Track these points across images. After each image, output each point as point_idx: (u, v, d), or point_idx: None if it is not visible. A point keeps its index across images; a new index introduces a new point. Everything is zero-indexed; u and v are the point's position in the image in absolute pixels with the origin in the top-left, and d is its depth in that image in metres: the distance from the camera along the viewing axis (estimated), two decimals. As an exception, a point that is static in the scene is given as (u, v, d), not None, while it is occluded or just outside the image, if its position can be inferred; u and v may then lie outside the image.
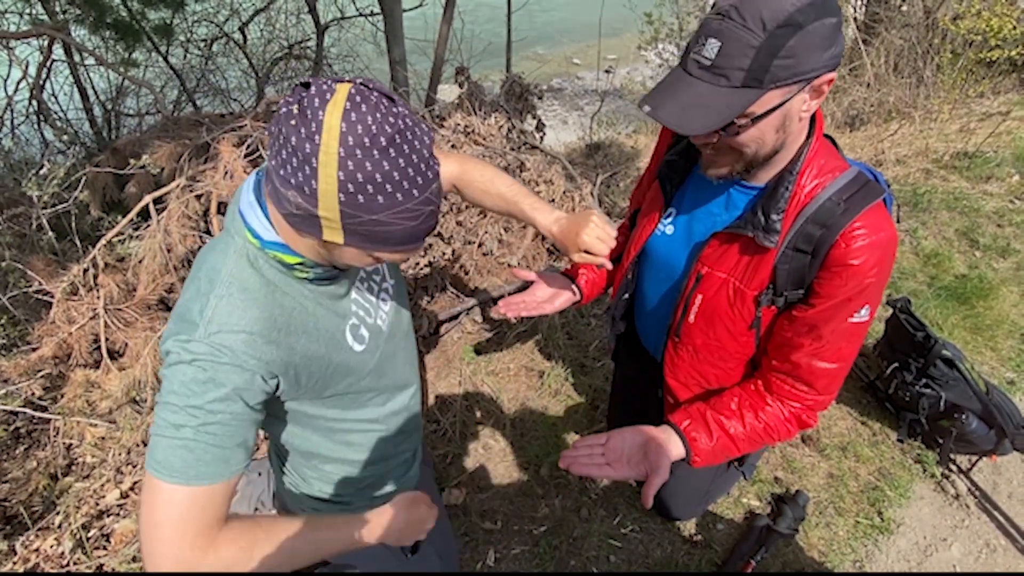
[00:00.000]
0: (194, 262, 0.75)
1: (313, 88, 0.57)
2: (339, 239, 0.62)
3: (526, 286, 1.28)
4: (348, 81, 0.58)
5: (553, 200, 2.57)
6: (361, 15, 5.42)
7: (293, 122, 0.57)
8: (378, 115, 0.57)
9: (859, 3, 5.29)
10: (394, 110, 0.58)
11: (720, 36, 0.72)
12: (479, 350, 2.28)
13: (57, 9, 3.66)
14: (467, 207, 2.57)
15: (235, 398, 0.66)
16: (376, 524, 0.80)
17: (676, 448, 0.98)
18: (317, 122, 0.55)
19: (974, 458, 1.84)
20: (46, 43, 3.50)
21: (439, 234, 2.44)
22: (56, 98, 4.16)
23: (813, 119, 0.88)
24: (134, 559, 1.54)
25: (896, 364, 1.92)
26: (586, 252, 0.96)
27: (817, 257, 0.87)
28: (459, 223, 2.47)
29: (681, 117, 0.76)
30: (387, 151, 0.57)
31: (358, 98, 0.56)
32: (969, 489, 1.79)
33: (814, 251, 0.87)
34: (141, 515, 0.65)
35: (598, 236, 0.95)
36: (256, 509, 1.38)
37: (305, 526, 0.73)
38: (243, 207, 0.71)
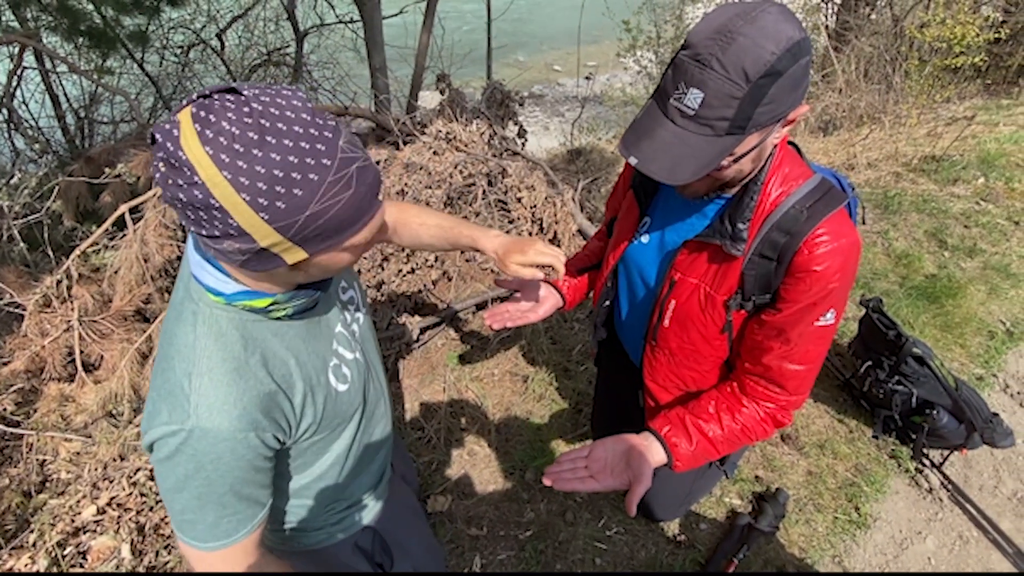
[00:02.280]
0: (161, 334, 0.70)
1: (159, 136, 0.51)
2: (302, 254, 0.58)
3: (510, 294, 1.29)
4: (186, 104, 0.53)
5: (535, 206, 2.59)
6: (341, 22, 5.40)
7: (169, 181, 0.52)
8: (230, 115, 0.51)
9: (830, 11, 5.44)
10: (241, 98, 0.52)
11: (703, 87, 0.72)
12: (463, 356, 2.28)
13: (28, 16, 3.59)
14: (449, 212, 2.57)
15: (242, 473, 0.67)
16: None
17: (657, 455, 0.99)
18: (186, 165, 0.50)
19: (946, 452, 1.90)
20: (17, 50, 3.43)
21: (421, 241, 2.44)
22: (27, 106, 4.07)
23: None
24: (112, 574, 1.51)
25: (870, 362, 1.97)
26: (528, 267, 1.01)
27: (782, 263, 0.90)
28: (441, 229, 2.47)
29: (670, 170, 0.77)
30: (264, 142, 0.51)
31: (202, 113, 0.51)
32: (942, 483, 1.84)
33: (779, 257, 0.90)
34: (196, 570, 0.71)
35: (543, 250, 1.00)
36: None
37: None
38: (195, 270, 0.66)
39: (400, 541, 1.03)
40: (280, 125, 0.52)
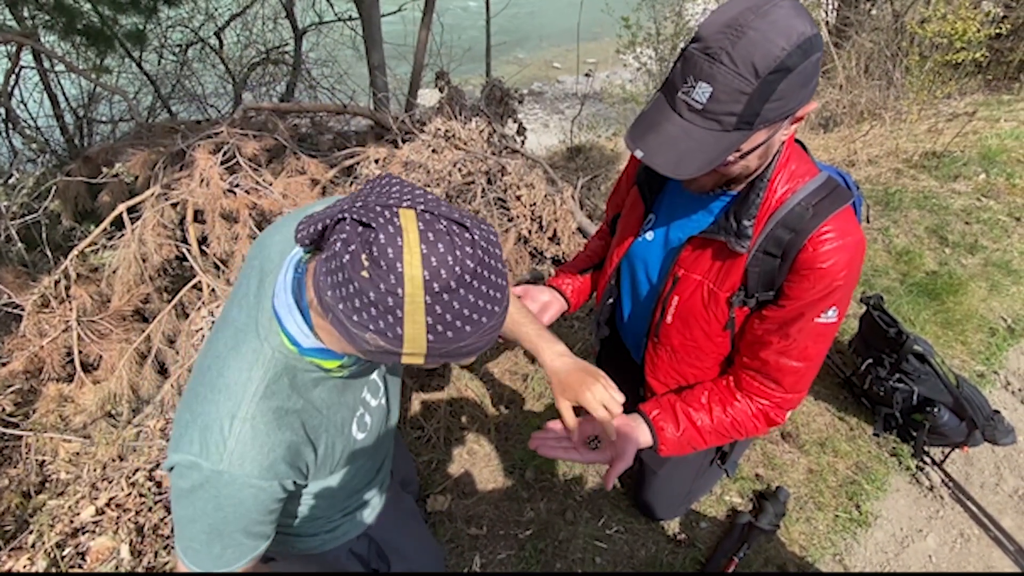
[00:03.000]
0: (209, 355, 0.70)
1: (380, 234, 0.52)
2: (420, 361, 0.59)
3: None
4: (407, 207, 0.54)
5: (534, 204, 2.59)
6: (339, 20, 5.38)
7: (366, 275, 0.52)
8: (456, 251, 0.53)
9: (830, 7, 5.42)
10: (466, 236, 0.54)
11: (712, 81, 0.71)
12: (462, 355, 2.28)
13: (26, 15, 3.58)
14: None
15: (257, 516, 0.69)
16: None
17: (644, 436, 1.00)
18: (397, 274, 0.51)
19: (947, 450, 1.89)
20: (14, 49, 3.42)
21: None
22: (25, 105, 4.06)
23: None
24: (112, 574, 1.51)
25: (870, 360, 1.96)
26: (581, 407, 0.93)
27: (786, 261, 0.89)
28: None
29: (676, 164, 0.76)
30: (471, 284, 0.54)
31: (430, 235, 0.52)
32: (943, 480, 1.84)
33: (783, 255, 0.89)
34: None
35: (603, 400, 0.91)
36: None
37: None
38: (280, 309, 0.66)
39: (397, 545, 1.03)
40: (486, 273, 0.55)
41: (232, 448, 0.64)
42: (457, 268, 0.52)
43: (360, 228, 0.53)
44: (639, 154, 0.78)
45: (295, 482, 0.72)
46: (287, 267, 0.67)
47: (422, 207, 0.54)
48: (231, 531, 0.68)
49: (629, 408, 1.06)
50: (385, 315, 0.53)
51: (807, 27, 0.71)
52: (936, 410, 1.78)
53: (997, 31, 4.25)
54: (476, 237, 0.54)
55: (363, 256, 0.52)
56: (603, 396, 0.92)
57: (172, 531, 1.62)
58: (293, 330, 0.65)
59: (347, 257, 0.52)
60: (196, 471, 0.64)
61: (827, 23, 5.11)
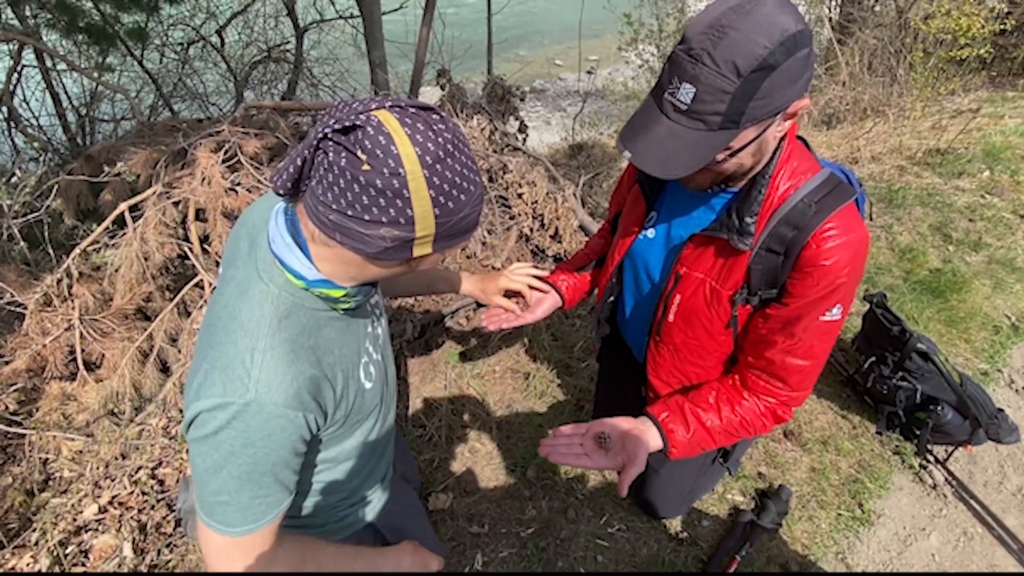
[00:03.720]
0: (217, 308, 0.72)
1: (367, 128, 0.58)
2: (428, 250, 0.65)
3: (509, 296, 1.29)
4: (376, 109, 0.60)
5: (536, 202, 2.58)
6: (340, 17, 5.37)
7: (367, 167, 0.57)
8: (433, 127, 0.60)
9: (834, 3, 5.39)
10: (435, 117, 0.62)
11: (695, 82, 0.72)
12: (464, 353, 2.28)
13: (28, 13, 3.58)
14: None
15: (286, 453, 0.69)
16: (394, 559, 0.90)
17: (654, 439, 0.99)
18: (394, 156, 0.57)
19: (950, 448, 1.89)
20: (16, 48, 3.42)
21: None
22: (27, 104, 4.06)
23: None
24: (114, 574, 1.51)
25: (873, 358, 1.96)
26: (504, 296, 1.07)
27: (789, 258, 0.89)
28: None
29: (664, 165, 0.77)
30: (453, 153, 0.61)
31: (408, 120, 0.59)
32: (946, 479, 1.83)
33: (786, 252, 0.89)
34: (212, 560, 0.72)
35: (517, 276, 1.08)
36: None
37: (343, 555, 0.82)
38: (279, 251, 0.69)
39: (402, 536, 1.03)
40: (461, 145, 0.63)
41: (258, 377, 0.65)
42: (440, 139, 0.60)
43: (343, 136, 0.58)
44: (627, 155, 0.79)
45: (317, 421, 0.72)
46: (275, 217, 0.70)
47: (389, 104, 0.61)
48: (261, 472, 0.67)
49: (634, 408, 1.06)
50: (394, 199, 0.59)
51: (792, 24, 0.70)
52: (940, 408, 1.78)
53: (1002, 27, 4.22)
54: (443, 115, 0.63)
55: (359, 152, 0.58)
56: (511, 276, 1.07)
57: (175, 528, 1.62)
58: (296, 266, 0.68)
59: (343, 162, 0.58)
60: (221, 411, 0.64)
61: (830, 19, 5.08)
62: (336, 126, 0.58)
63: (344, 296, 0.72)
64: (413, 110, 0.61)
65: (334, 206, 0.60)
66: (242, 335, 0.67)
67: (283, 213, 0.70)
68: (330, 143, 0.58)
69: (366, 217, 0.60)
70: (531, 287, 1.27)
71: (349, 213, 0.60)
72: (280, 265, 0.69)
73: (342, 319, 0.78)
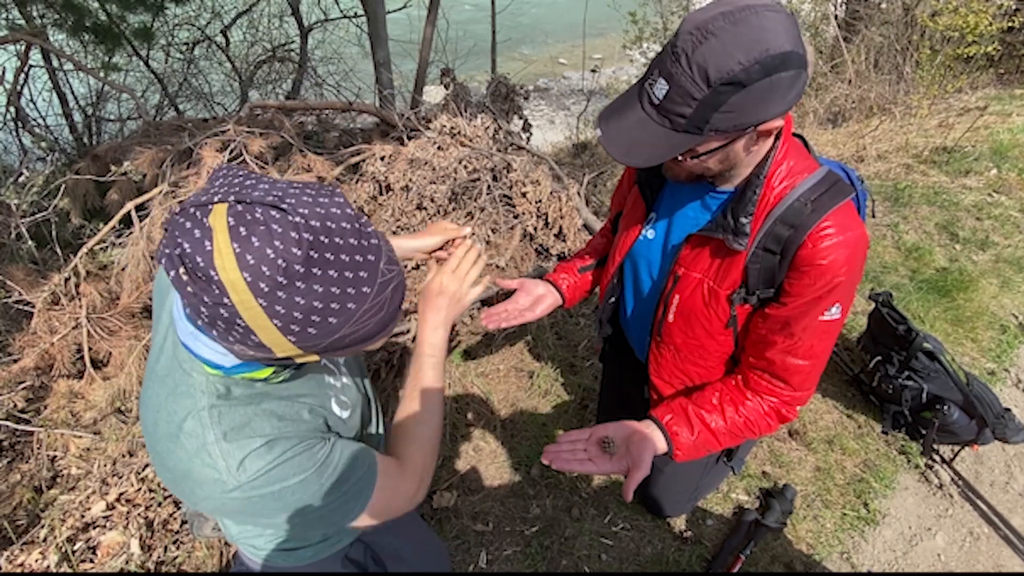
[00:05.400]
0: (150, 406, 0.65)
1: (184, 242, 0.46)
2: (315, 358, 0.56)
3: (510, 293, 1.29)
4: (219, 202, 0.48)
5: (540, 201, 2.58)
6: (345, 17, 5.38)
7: (190, 290, 0.48)
8: (275, 242, 0.46)
9: (839, 1, 5.36)
10: (288, 220, 0.47)
11: (670, 80, 0.73)
12: (468, 352, 2.28)
13: (34, 14, 3.60)
14: (453, 208, 2.57)
15: (317, 464, 0.66)
16: (433, 322, 0.87)
17: (658, 443, 0.99)
18: (216, 282, 0.46)
19: (956, 448, 1.88)
20: (23, 48, 3.44)
21: (426, 236, 2.43)
22: (35, 104, 4.09)
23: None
24: (121, 572, 1.52)
25: (879, 357, 1.95)
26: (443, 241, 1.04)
27: (786, 257, 0.88)
28: (446, 225, 2.47)
29: (627, 151, 0.79)
30: (310, 275, 0.48)
31: (241, 230, 0.46)
32: (952, 479, 1.82)
33: (783, 251, 0.89)
34: (396, 504, 0.76)
35: (443, 230, 1.05)
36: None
37: (415, 390, 0.82)
38: (186, 339, 0.60)
39: (394, 550, 1.03)
40: (328, 255, 0.48)
41: (225, 467, 0.60)
42: (281, 261, 0.46)
43: (170, 243, 0.47)
44: (597, 134, 0.82)
45: (314, 440, 0.69)
46: (176, 302, 0.63)
47: (234, 197, 0.48)
48: (310, 508, 0.65)
49: (638, 409, 1.06)
50: (232, 326, 0.49)
51: (781, 43, 0.68)
52: (946, 408, 1.77)
53: (1009, 24, 4.19)
54: (298, 219, 0.47)
55: (181, 271, 0.47)
56: (444, 227, 1.03)
57: (181, 525, 1.64)
58: (207, 354, 0.60)
59: (172, 274, 0.48)
60: (233, 504, 0.62)
61: (836, 16, 5.05)
62: (168, 226, 0.49)
63: (272, 373, 0.63)
64: (260, 212, 0.47)
65: (187, 312, 0.52)
66: (187, 438, 0.61)
67: (180, 298, 0.60)
68: (164, 241, 0.48)
69: (214, 333, 0.51)
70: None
71: (200, 325, 0.51)
72: (191, 354, 0.61)
73: (299, 382, 0.71)
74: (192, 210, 0.48)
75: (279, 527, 0.68)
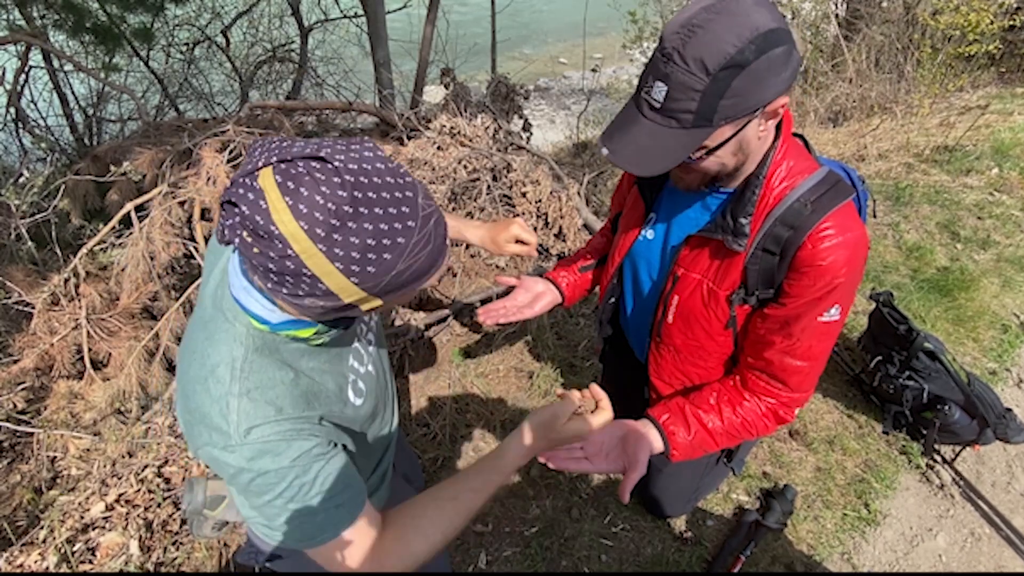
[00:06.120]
0: (187, 350, 0.70)
1: (244, 207, 0.51)
2: (378, 303, 0.60)
3: (510, 291, 1.29)
4: (263, 167, 0.52)
5: (540, 201, 2.58)
6: (345, 17, 5.39)
7: (256, 249, 0.52)
8: (323, 189, 0.51)
9: (840, 0, 5.35)
10: (328, 168, 0.52)
11: (666, 80, 0.73)
12: (468, 352, 2.28)
13: (35, 14, 3.61)
14: (453, 208, 2.56)
15: (309, 460, 0.67)
16: (516, 451, 0.81)
17: (655, 442, 0.99)
18: (277, 237, 0.50)
19: (958, 448, 1.87)
20: (23, 49, 3.45)
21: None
22: (35, 105, 4.10)
23: (779, 121, 0.89)
24: (120, 573, 1.52)
25: (880, 357, 1.94)
26: (516, 243, 1.08)
27: (785, 258, 0.88)
28: (446, 225, 2.47)
29: (639, 162, 0.78)
30: (359, 214, 0.52)
31: (290, 184, 0.50)
32: (953, 479, 1.82)
33: (782, 252, 0.88)
34: (363, 559, 0.71)
35: (517, 235, 1.09)
36: None
37: (469, 477, 0.79)
38: (238, 295, 0.65)
39: None
40: (371, 194, 0.52)
41: (237, 422, 0.63)
42: (331, 205, 0.50)
43: (231, 210, 0.52)
44: (605, 153, 0.81)
45: (319, 439, 0.70)
46: (232, 258, 0.67)
47: (276, 158, 0.52)
48: (303, 495, 0.66)
49: (638, 410, 1.05)
50: (300, 278, 0.53)
51: (765, 21, 0.70)
52: (947, 408, 1.76)
53: (1011, 23, 4.18)
54: (338, 165, 0.52)
55: (245, 235, 0.52)
56: (517, 231, 1.08)
57: (181, 526, 1.63)
58: (257, 309, 0.64)
59: (237, 241, 0.52)
60: (225, 459, 0.64)
61: (837, 15, 5.04)
62: (224, 198, 0.52)
63: (315, 334, 0.67)
64: (300, 166, 0.51)
65: (259, 278, 0.55)
66: (214, 383, 0.65)
67: (238, 256, 0.65)
68: (223, 214, 0.53)
69: (284, 291, 0.55)
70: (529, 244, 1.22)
71: (270, 286, 0.55)
72: (240, 308, 0.65)
73: (326, 358, 0.75)
74: (242, 179, 0.52)
75: (243, 506, 0.69)
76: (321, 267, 0.52)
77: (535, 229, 2.59)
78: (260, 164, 0.52)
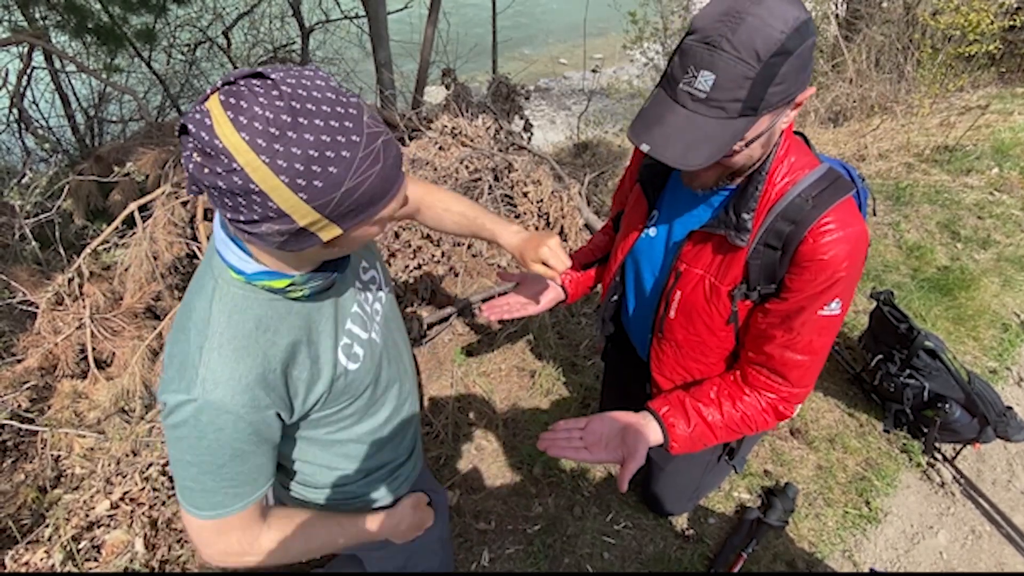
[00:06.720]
0: (181, 304, 0.73)
1: (192, 126, 0.53)
2: (337, 230, 0.60)
3: (514, 286, 1.30)
4: (212, 92, 0.54)
5: (541, 201, 2.59)
6: (346, 17, 5.39)
7: (206, 170, 0.53)
8: (261, 100, 0.52)
9: (840, 0, 5.35)
10: (268, 81, 0.53)
11: (714, 68, 0.71)
12: (470, 351, 2.29)
13: (37, 15, 3.62)
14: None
15: (241, 445, 0.69)
16: (386, 522, 0.91)
17: (654, 434, 0.99)
18: (222, 150, 0.52)
19: (958, 446, 1.88)
20: (26, 50, 3.46)
21: (428, 236, 2.44)
22: (37, 105, 4.11)
23: None
24: (125, 571, 1.53)
25: (880, 356, 1.95)
26: (543, 264, 1.03)
27: (787, 253, 0.89)
28: (448, 225, 2.47)
29: (683, 155, 0.76)
30: (298, 124, 0.53)
31: (231, 100, 0.52)
32: (954, 477, 1.83)
33: (784, 247, 0.89)
34: (192, 538, 0.75)
35: (557, 253, 1.03)
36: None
37: (335, 524, 0.85)
38: (219, 246, 0.68)
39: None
40: (310, 106, 0.53)
41: (203, 375, 0.65)
42: (269, 114, 0.52)
43: (184, 138, 0.54)
44: (645, 148, 0.78)
45: (279, 414, 0.72)
46: (216, 213, 0.70)
47: (222, 83, 0.54)
48: (219, 464, 0.68)
49: (638, 409, 1.06)
50: (249, 196, 0.53)
51: (800, 11, 0.72)
52: (947, 406, 1.77)
53: (1011, 23, 4.18)
54: (277, 79, 0.53)
55: (196, 156, 0.53)
56: (546, 253, 1.02)
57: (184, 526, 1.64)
58: (233, 260, 0.67)
59: (191, 167, 0.54)
60: (179, 407, 0.66)
61: (837, 15, 5.05)
62: (178, 124, 0.55)
63: (290, 285, 0.68)
64: (243, 84, 0.53)
65: (219, 210, 0.56)
66: (194, 332, 0.67)
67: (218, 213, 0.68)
68: (183, 147, 0.55)
69: (241, 219, 0.56)
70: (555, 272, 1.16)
71: (228, 215, 0.56)
72: (220, 259, 0.68)
73: (310, 305, 0.75)
74: (194, 107, 0.54)
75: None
76: (267, 181, 0.53)
77: (537, 228, 2.60)
78: (209, 92, 0.54)
